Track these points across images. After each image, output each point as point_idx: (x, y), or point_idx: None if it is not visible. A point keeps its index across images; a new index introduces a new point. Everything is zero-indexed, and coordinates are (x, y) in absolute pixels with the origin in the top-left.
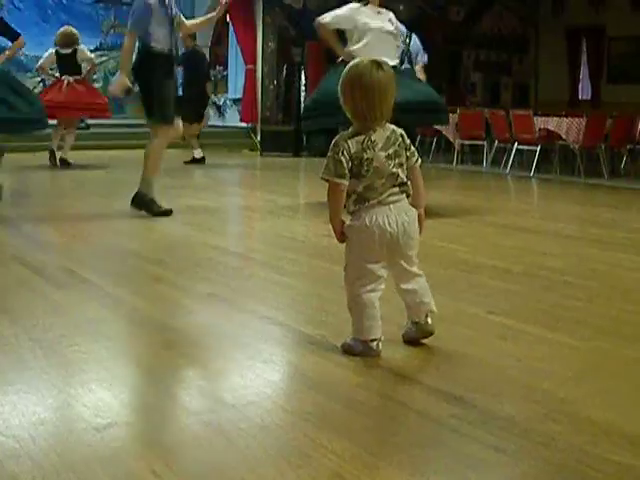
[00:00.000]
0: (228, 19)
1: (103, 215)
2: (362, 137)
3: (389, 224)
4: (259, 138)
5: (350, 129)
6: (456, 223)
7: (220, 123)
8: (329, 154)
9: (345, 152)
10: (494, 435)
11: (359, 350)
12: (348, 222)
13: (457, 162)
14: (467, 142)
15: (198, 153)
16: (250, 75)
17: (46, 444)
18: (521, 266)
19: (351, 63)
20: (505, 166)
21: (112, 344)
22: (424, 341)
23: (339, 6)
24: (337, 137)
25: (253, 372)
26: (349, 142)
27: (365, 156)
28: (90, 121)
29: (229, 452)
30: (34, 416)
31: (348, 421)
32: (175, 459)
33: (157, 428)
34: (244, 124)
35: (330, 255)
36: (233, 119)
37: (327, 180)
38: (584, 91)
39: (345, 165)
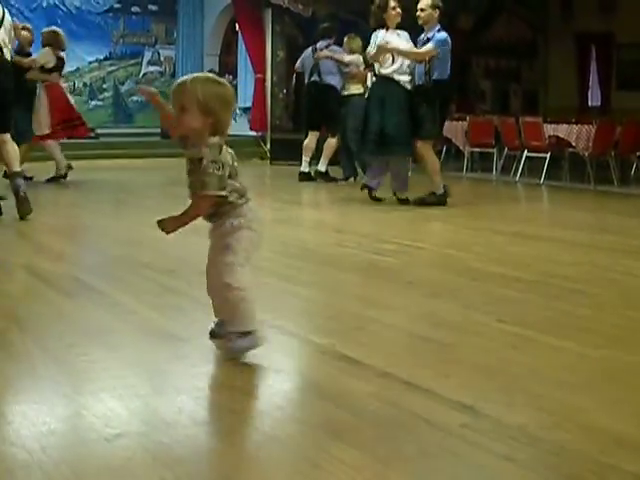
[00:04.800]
0: (237, 28)
1: (112, 225)
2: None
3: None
4: (269, 147)
5: (215, 143)
6: (466, 231)
7: (230, 132)
8: (212, 171)
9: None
10: (505, 444)
11: (248, 344)
12: (235, 220)
13: (467, 170)
14: (477, 150)
15: None
16: (259, 84)
17: (56, 454)
18: (531, 274)
19: (211, 81)
20: (515, 173)
21: (122, 354)
22: (434, 349)
23: (346, 15)
24: (214, 153)
25: (264, 382)
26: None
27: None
28: (100, 130)
29: (239, 462)
30: (44, 426)
31: (359, 431)
32: (185, 470)
33: (167, 438)
34: (254, 133)
35: (339, 263)
36: (243, 128)
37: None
38: (594, 98)
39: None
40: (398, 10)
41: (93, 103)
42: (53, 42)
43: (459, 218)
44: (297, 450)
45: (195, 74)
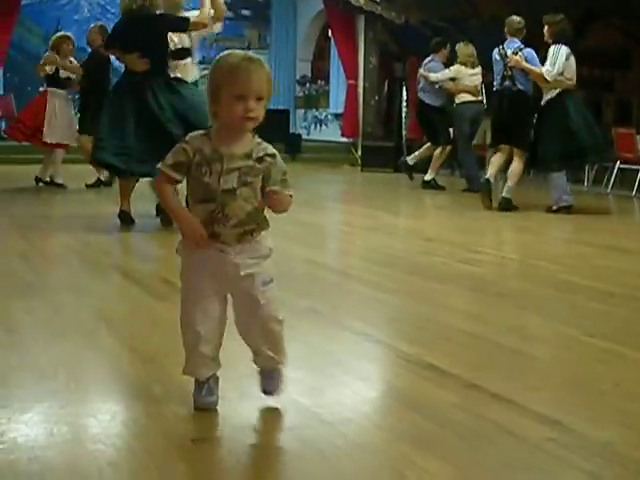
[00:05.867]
0: (330, 34)
1: None
2: None
3: None
4: (360, 153)
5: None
6: (556, 242)
7: (320, 137)
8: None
9: None
10: (590, 461)
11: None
12: (270, 240)
13: None
14: None
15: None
16: (352, 90)
17: (144, 454)
18: (621, 288)
19: None
20: (607, 185)
21: None
22: (522, 362)
23: (439, 22)
24: None
25: (350, 389)
26: None
27: None
28: None
29: (324, 469)
30: (133, 426)
31: (443, 441)
32: (270, 475)
33: (252, 443)
34: (345, 139)
35: (428, 272)
36: (334, 134)
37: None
38: None
39: None
40: None
41: None
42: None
43: (550, 230)
44: (381, 458)
45: (244, 53)
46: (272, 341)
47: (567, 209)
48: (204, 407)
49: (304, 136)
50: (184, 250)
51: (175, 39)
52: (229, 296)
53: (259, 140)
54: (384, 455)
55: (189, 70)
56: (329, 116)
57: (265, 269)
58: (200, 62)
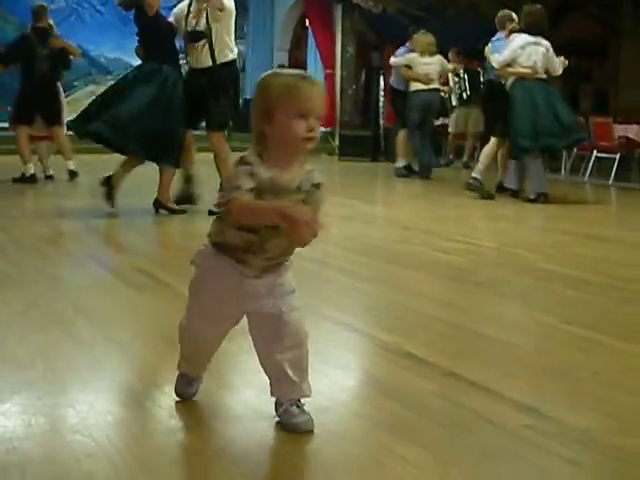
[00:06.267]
0: (307, 23)
1: (180, 217)
2: None
3: None
4: (337, 142)
5: None
6: (534, 231)
7: None
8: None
9: None
10: (569, 448)
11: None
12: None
13: None
14: None
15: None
16: (329, 79)
17: (122, 444)
18: (599, 276)
19: None
20: (584, 174)
21: None
22: (500, 350)
23: (416, 11)
24: None
25: (327, 378)
26: None
27: None
28: None
29: (301, 458)
30: (111, 416)
31: (421, 429)
32: (247, 464)
33: (230, 432)
34: (322, 128)
35: (405, 261)
36: None
37: None
38: None
39: None
40: None
41: None
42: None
43: (528, 218)
44: (360, 446)
45: (296, 71)
46: (297, 359)
47: (544, 196)
48: (185, 397)
49: None
50: (202, 263)
51: (192, 21)
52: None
53: (309, 168)
54: (362, 443)
55: (204, 53)
56: None
57: (287, 280)
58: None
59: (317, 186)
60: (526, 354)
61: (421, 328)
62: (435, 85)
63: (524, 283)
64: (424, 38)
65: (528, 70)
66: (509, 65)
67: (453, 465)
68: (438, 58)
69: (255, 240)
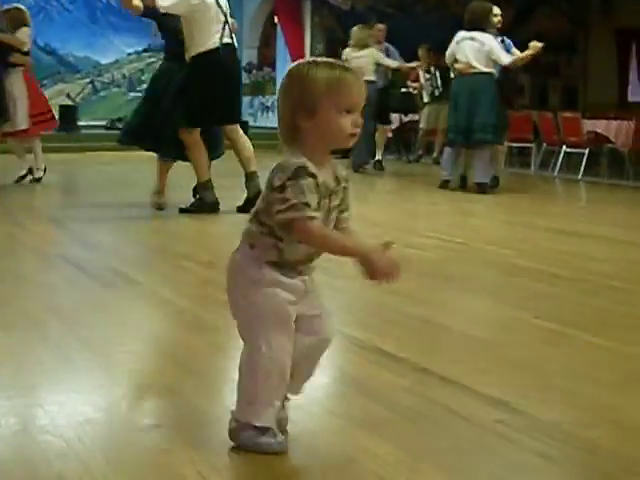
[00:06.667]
0: (276, 20)
1: (150, 215)
2: None
3: None
4: None
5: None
6: (504, 226)
7: (268, 124)
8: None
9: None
10: (540, 441)
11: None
12: None
13: (505, 164)
14: (515, 144)
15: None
16: None
17: (93, 444)
18: (568, 270)
19: None
20: (553, 169)
21: (159, 345)
22: (470, 345)
23: (385, 8)
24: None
25: None
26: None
27: None
28: None
29: (275, 455)
30: (81, 416)
31: (393, 425)
32: (221, 461)
33: (203, 430)
34: None
35: None
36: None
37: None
38: (634, 93)
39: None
40: None
41: (132, 95)
42: (25, 21)
43: (497, 213)
44: (333, 444)
45: (336, 61)
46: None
47: (483, 186)
48: (283, 451)
49: (251, 123)
50: (267, 277)
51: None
52: None
53: (333, 160)
54: (336, 440)
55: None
56: (276, 103)
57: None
58: (145, 50)
59: (347, 180)
60: (497, 349)
61: (392, 324)
62: (368, 77)
63: (494, 278)
64: (358, 32)
65: (462, 65)
66: (455, 61)
67: (425, 460)
68: (370, 51)
69: (315, 251)
